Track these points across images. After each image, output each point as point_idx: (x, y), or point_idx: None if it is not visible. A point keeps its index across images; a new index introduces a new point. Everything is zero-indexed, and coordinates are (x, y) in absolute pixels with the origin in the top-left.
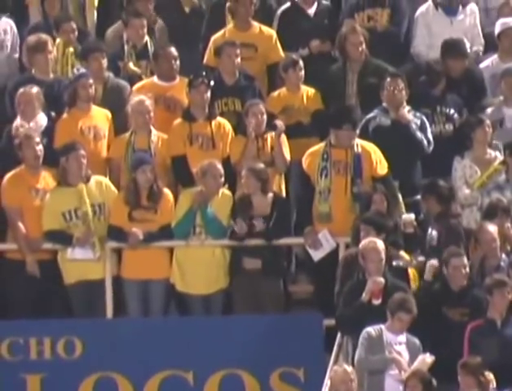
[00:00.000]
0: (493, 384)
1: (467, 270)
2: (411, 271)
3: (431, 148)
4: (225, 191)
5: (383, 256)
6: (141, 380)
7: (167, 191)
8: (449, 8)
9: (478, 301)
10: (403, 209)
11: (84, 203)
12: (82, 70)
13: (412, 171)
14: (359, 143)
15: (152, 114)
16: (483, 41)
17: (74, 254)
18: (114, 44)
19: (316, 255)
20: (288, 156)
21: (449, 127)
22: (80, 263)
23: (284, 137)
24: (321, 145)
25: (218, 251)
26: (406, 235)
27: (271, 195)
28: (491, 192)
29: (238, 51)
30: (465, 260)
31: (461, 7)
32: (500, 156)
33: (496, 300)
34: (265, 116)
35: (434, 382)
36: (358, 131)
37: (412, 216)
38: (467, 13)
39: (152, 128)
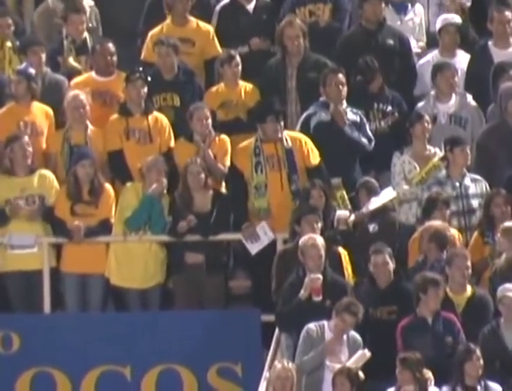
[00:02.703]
0: (431, 382)
1: (390, 266)
2: (347, 267)
3: (373, 145)
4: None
5: (323, 252)
6: (78, 374)
7: (108, 186)
8: (400, 6)
9: (406, 298)
10: (347, 203)
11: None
12: (23, 65)
13: (353, 167)
14: (288, 135)
15: (87, 109)
16: (425, 38)
17: (12, 240)
18: (43, 25)
19: (254, 248)
20: (227, 163)
21: (385, 124)
22: (18, 253)
23: (227, 141)
24: (251, 140)
25: (155, 246)
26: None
27: (211, 191)
28: (431, 187)
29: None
30: (387, 257)
31: (409, 5)
32: (439, 152)
33: (429, 299)
34: (209, 120)
35: (362, 377)
36: (298, 127)
37: (346, 213)
38: (415, 12)
39: (88, 123)
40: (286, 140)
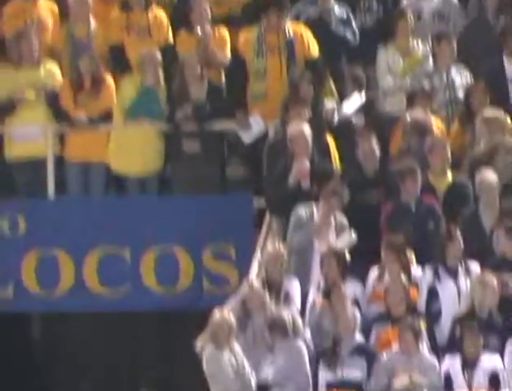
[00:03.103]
0: (413, 263)
1: (376, 153)
2: (334, 156)
3: (357, 40)
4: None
5: (309, 140)
6: (81, 255)
7: (109, 78)
8: None
9: (391, 184)
10: (335, 94)
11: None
12: None
13: (339, 60)
14: (290, 27)
15: (90, 4)
16: None
17: (17, 129)
18: None
19: (247, 137)
20: (227, 53)
21: (371, 19)
22: (24, 142)
23: (226, 33)
24: (255, 29)
25: (153, 134)
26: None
27: (206, 82)
28: (420, 79)
29: None
30: (374, 143)
31: None
32: (423, 47)
33: (408, 186)
34: (208, 11)
35: (348, 258)
36: (288, 18)
37: (333, 104)
38: None
39: (90, 18)
40: (288, 31)
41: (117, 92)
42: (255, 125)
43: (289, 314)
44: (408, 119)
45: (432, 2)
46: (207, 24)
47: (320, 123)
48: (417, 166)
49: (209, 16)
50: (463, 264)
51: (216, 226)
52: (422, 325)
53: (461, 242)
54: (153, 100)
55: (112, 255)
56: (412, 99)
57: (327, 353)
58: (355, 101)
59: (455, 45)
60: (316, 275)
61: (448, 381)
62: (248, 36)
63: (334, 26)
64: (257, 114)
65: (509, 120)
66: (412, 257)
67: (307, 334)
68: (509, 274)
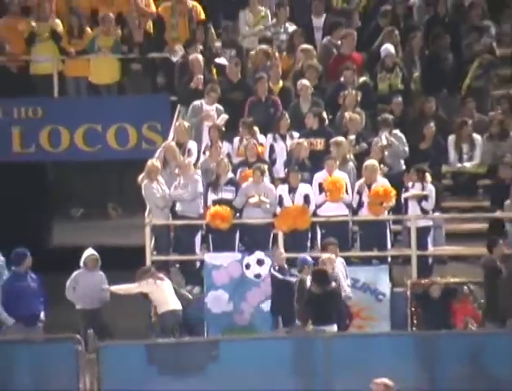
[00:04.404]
0: (258, 133)
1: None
2: None
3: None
4: None
5: (202, 62)
6: (74, 129)
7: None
8: None
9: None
10: None
11: None
12: None
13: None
14: None
15: None
16: None
17: (40, 58)
18: None
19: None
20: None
21: None
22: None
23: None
24: None
25: (115, 60)
26: None
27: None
28: (265, 29)
29: None
30: None
31: None
32: (266, 10)
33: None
34: None
35: (223, 129)
36: None
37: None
38: None
39: None
40: None
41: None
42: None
43: (190, 161)
44: None
45: None
46: None
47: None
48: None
49: None
50: (290, 133)
51: (150, 113)
52: (266, 168)
53: (288, 119)
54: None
55: (92, 129)
56: None
57: (212, 183)
58: None
59: (288, 9)
60: (206, 139)
61: (281, 200)
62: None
63: None
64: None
65: None
66: (257, 129)
67: (200, 172)
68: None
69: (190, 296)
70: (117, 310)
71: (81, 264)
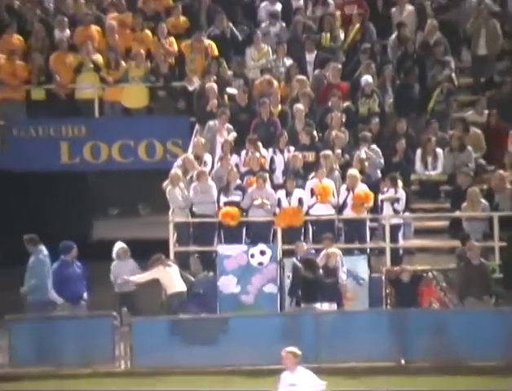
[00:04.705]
0: (261, 148)
1: None
2: None
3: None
4: None
5: (216, 91)
6: (112, 144)
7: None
8: None
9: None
10: None
11: None
12: None
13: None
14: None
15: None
16: None
17: (82, 86)
18: None
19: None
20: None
21: (243, 34)
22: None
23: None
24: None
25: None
26: None
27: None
28: (267, 63)
29: None
30: None
31: None
32: (268, 47)
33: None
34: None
35: (233, 144)
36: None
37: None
38: None
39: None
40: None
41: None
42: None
43: (206, 170)
44: None
45: (275, 27)
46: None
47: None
48: None
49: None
50: (287, 147)
51: (173, 131)
52: (267, 176)
53: (286, 136)
54: None
55: (126, 144)
56: None
57: (223, 188)
58: None
59: (285, 47)
60: (218, 152)
61: (279, 202)
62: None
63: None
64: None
65: None
66: (260, 144)
67: (214, 179)
68: None
69: (192, 278)
70: (145, 292)
71: (114, 256)
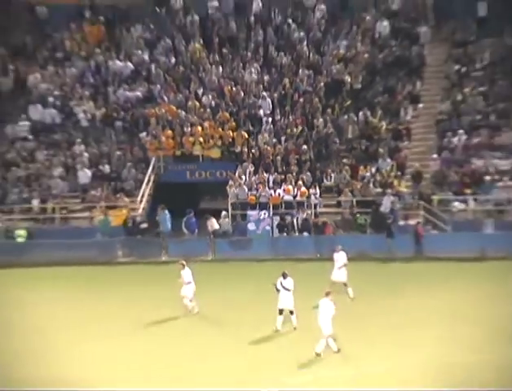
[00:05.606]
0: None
1: None
2: None
3: None
4: None
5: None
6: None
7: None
8: None
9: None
10: None
11: None
12: None
13: None
14: None
15: None
16: None
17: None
18: None
19: None
20: None
21: None
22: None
23: None
24: None
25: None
26: None
27: None
28: None
29: None
30: None
31: None
32: None
33: None
34: None
35: None
36: None
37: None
38: None
39: None
40: None
41: None
42: None
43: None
44: None
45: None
46: None
47: None
48: None
49: None
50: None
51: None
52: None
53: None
54: None
55: (212, 172)
56: None
57: (249, 188)
58: None
59: None
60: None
61: (272, 194)
62: None
63: None
64: None
65: None
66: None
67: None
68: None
69: (218, 227)
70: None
71: (209, 216)
